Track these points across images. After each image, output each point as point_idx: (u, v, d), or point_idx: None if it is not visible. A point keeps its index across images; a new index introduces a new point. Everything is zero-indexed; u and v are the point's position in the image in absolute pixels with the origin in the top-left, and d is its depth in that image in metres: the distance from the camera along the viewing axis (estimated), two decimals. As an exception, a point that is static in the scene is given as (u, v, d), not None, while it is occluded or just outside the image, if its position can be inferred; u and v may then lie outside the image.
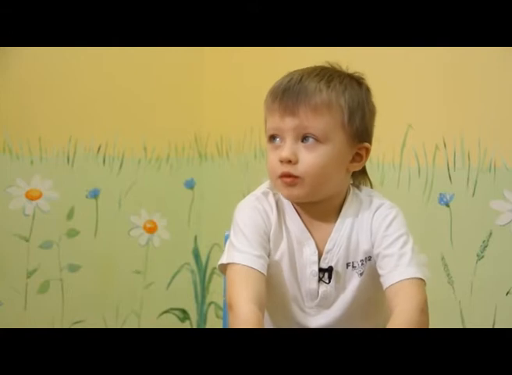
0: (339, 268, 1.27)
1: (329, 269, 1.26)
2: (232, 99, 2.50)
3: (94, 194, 2.38)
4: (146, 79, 2.46)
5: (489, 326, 1.76)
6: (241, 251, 1.24)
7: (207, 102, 2.57)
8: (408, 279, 1.21)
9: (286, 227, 1.28)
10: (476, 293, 1.80)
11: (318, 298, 1.28)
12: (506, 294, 1.74)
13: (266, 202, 1.29)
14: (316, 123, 1.20)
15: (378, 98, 1.31)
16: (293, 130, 1.21)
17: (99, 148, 2.39)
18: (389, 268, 1.23)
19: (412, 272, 1.22)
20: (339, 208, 1.28)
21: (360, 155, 1.27)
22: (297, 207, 1.29)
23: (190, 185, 2.58)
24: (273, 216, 1.27)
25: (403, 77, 1.95)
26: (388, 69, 1.93)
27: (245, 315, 1.17)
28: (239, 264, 1.22)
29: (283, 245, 1.27)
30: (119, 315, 2.45)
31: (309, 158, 1.21)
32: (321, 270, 1.27)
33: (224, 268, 1.27)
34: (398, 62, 1.94)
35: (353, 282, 1.28)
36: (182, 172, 2.56)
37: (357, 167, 1.28)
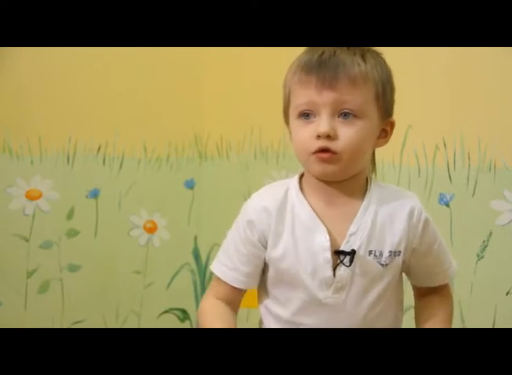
0: (360, 253, 1.21)
1: (352, 253, 1.21)
2: (232, 99, 2.50)
3: (94, 194, 2.38)
4: (146, 79, 2.45)
5: (489, 326, 1.76)
6: (220, 261, 1.29)
7: (207, 102, 2.56)
8: (446, 284, 1.32)
9: (293, 217, 1.23)
10: (476, 293, 1.80)
11: (333, 285, 1.21)
12: (506, 294, 1.74)
13: (270, 199, 1.24)
14: (355, 97, 1.17)
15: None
16: (331, 104, 1.17)
17: (99, 148, 2.39)
18: (426, 273, 1.30)
19: (448, 275, 1.31)
20: (360, 190, 1.25)
21: (385, 130, 1.24)
22: (311, 190, 1.24)
23: (190, 185, 2.58)
24: (274, 213, 1.23)
25: (403, 77, 1.94)
26: (388, 69, 1.93)
27: (202, 306, 1.27)
28: (215, 274, 1.29)
29: (287, 237, 1.22)
30: (119, 315, 2.45)
31: (348, 134, 1.17)
32: (342, 253, 1.21)
33: None
34: (398, 62, 1.93)
35: (373, 271, 1.22)
36: (182, 172, 2.56)
37: (382, 143, 1.25)
